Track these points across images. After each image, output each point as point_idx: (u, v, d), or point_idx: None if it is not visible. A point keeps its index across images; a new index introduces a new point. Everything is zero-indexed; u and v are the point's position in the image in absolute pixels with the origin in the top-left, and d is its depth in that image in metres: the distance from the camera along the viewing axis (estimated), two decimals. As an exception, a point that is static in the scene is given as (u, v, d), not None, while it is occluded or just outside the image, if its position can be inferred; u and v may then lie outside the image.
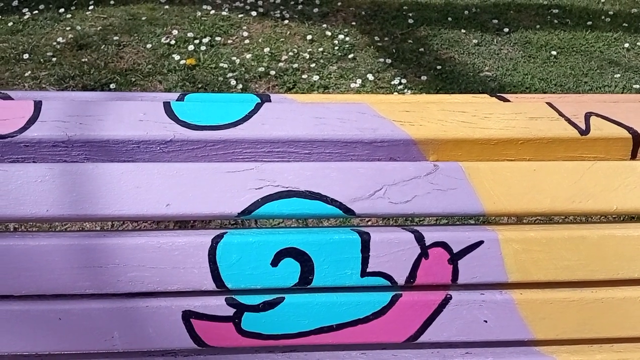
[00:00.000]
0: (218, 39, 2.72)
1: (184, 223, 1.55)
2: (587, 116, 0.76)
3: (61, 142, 0.68)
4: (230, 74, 2.49)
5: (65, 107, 0.71)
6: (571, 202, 0.72)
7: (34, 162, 0.69)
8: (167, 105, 0.72)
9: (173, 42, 2.66)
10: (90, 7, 2.88)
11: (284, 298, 0.72)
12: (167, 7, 2.94)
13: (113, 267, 0.68)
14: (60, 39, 2.63)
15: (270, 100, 0.79)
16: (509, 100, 0.81)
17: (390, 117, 0.74)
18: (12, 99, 0.75)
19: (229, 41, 2.73)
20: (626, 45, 2.88)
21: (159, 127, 0.70)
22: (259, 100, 0.78)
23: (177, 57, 2.55)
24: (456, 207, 0.71)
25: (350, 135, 0.72)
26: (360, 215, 0.70)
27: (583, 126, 0.75)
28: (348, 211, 0.70)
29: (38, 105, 0.70)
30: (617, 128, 0.75)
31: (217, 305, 0.71)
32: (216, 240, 0.69)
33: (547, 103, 0.78)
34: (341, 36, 2.79)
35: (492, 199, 0.71)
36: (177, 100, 0.77)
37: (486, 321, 0.74)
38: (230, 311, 0.71)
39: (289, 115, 0.74)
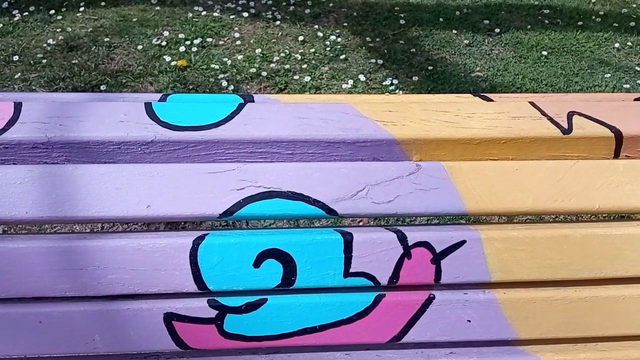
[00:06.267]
0: (209, 40, 2.71)
1: (174, 225, 1.54)
2: (570, 115, 0.76)
3: (41, 144, 0.68)
4: (221, 75, 2.48)
5: (45, 108, 0.71)
6: (553, 201, 0.72)
7: (14, 163, 0.68)
8: (148, 106, 0.72)
9: (164, 43, 2.65)
10: (81, 9, 2.87)
11: (266, 299, 0.71)
12: (158, 8, 2.93)
13: (93, 270, 0.67)
14: (50, 41, 2.62)
15: (253, 101, 0.79)
16: (492, 100, 0.81)
17: (373, 117, 0.74)
18: (-8, 101, 0.75)
19: (221, 42, 2.72)
20: (616, 45, 2.89)
21: (140, 128, 0.70)
22: (241, 101, 0.78)
23: (168, 59, 2.54)
24: (439, 206, 0.71)
25: (333, 136, 0.72)
26: (342, 215, 0.70)
27: (565, 125, 0.75)
28: (331, 211, 0.70)
29: (18, 107, 0.70)
30: (600, 127, 0.75)
31: (199, 307, 0.70)
32: (197, 242, 0.68)
33: (529, 102, 0.78)
34: (333, 37, 2.79)
35: (475, 199, 0.71)
36: (159, 101, 0.77)
37: (470, 321, 0.74)
38: (213, 313, 0.71)
39: (271, 116, 0.73)
